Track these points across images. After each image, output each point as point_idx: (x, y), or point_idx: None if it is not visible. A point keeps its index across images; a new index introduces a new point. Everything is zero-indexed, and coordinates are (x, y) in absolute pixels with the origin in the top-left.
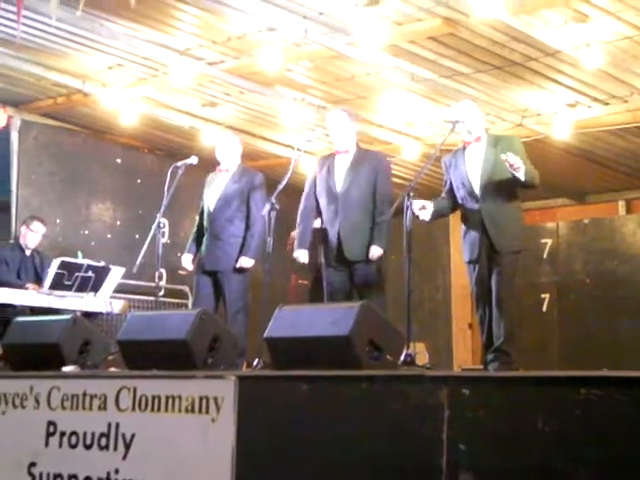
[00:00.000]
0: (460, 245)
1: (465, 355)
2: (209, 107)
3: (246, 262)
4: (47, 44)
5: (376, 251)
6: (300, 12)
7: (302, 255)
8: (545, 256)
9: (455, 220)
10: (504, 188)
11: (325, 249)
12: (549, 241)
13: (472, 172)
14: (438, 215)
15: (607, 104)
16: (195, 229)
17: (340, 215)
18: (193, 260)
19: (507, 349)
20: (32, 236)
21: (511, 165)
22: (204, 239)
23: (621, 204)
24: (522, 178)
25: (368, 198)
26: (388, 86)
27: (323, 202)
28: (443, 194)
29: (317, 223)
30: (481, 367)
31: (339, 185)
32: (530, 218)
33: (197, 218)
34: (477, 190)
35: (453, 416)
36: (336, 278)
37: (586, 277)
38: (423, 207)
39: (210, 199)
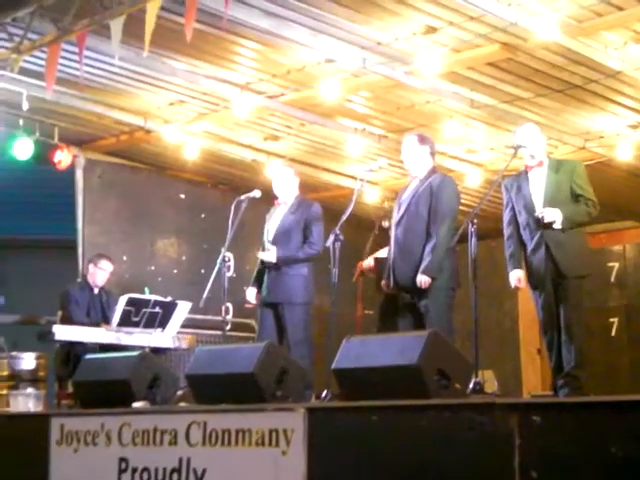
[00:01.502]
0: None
1: (535, 381)
2: (271, 140)
3: (269, 255)
4: (108, 83)
5: (422, 279)
6: (358, 43)
7: (382, 284)
8: (612, 279)
9: None
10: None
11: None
12: (616, 264)
13: (535, 196)
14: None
15: None
16: (259, 262)
17: (394, 243)
18: (257, 294)
19: (578, 374)
20: (101, 274)
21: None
22: (266, 271)
23: None
24: (559, 227)
25: (424, 221)
26: (448, 113)
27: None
28: (505, 222)
29: (383, 252)
30: (551, 393)
31: (399, 212)
32: (596, 241)
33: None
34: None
35: (524, 443)
36: (401, 306)
37: None
38: (518, 280)
39: (269, 232)
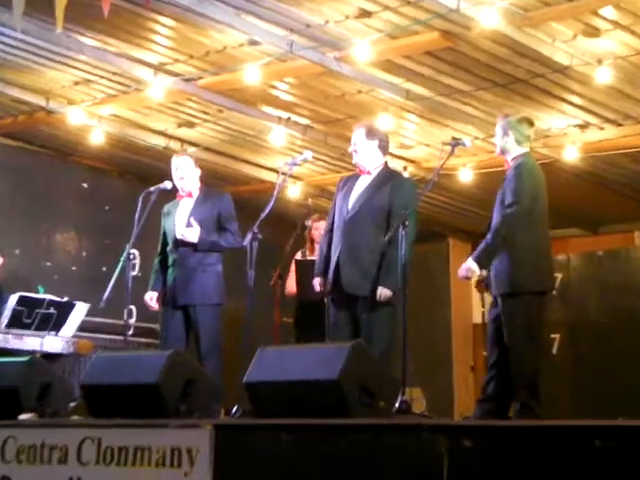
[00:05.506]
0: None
1: (467, 401)
2: (185, 127)
3: (191, 232)
4: (8, 57)
5: (384, 293)
6: (285, 24)
7: (315, 283)
8: (555, 292)
9: (455, 248)
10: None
11: (328, 281)
12: (559, 275)
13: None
14: None
15: (620, 125)
16: (157, 263)
17: (342, 241)
18: (159, 298)
19: (526, 401)
20: None
21: None
22: (170, 272)
23: (637, 234)
24: None
25: (378, 224)
26: (381, 105)
27: (335, 227)
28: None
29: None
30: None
31: (350, 208)
32: None
33: (158, 251)
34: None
35: (453, 470)
36: (339, 314)
37: (601, 315)
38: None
39: (176, 229)
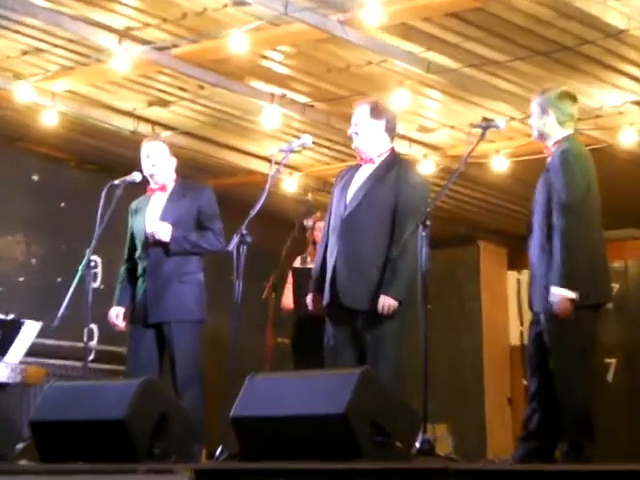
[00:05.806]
0: (493, 289)
1: (503, 441)
2: (158, 106)
3: (162, 229)
4: None
5: (387, 302)
6: None
7: (307, 301)
8: (610, 306)
9: (486, 253)
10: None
11: (324, 291)
12: (615, 286)
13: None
14: None
15: None
16: (124, 272)
17: (339, 244)
18: (126, 314)
19: (576, 439)
20: None
21: None
22: (140, 282)
23: None
24: None
25: (383, 222)
26: (396, 79)
27: (331, 227)
28: None
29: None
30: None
31: (348, 203)
32: None
33: (125, 257)
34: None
35: None
36: (338, 333)
37: None
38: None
39: (146, 229)
